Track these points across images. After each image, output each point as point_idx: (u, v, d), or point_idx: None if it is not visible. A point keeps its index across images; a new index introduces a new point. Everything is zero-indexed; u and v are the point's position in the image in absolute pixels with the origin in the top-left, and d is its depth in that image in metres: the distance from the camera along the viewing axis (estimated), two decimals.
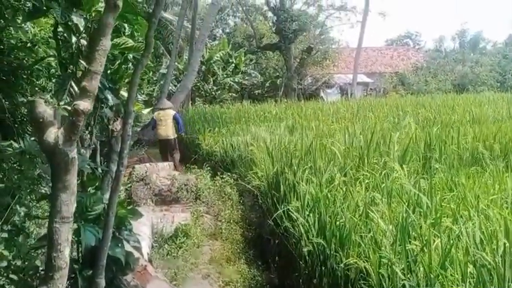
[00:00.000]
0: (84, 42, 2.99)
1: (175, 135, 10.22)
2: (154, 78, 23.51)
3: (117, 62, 3.73)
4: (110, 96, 3.39)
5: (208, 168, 8.28)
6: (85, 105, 1.76)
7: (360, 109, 13.47)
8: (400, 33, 53.13)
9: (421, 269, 2.90)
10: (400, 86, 28.69)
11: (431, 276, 2.76)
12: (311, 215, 4.16)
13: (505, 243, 2.65)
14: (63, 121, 1.88)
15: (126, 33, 3.51)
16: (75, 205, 1.92)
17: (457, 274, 2.74)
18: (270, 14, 28.06)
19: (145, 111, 14.63)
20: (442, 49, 34.58)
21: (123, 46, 3.27)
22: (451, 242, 2.94)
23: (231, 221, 6.12)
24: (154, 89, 22.99)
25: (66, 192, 1.82)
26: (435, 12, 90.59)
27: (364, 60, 35.82)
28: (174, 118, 10.27)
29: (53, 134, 1.77)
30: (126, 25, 3.41)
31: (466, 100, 14.95)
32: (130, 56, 3.68)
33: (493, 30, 70.88)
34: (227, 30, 33.49)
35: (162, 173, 7.87)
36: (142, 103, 13.40)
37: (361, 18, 29.13)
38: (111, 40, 3.28)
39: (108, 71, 3.61)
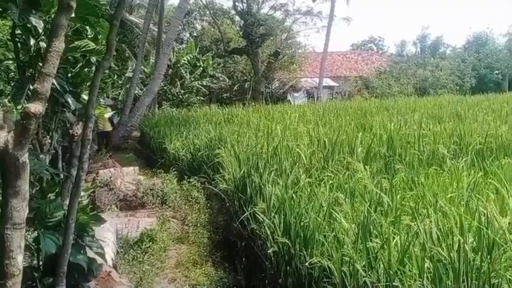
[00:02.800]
0: (43, 44, 2.93)
1: None
2: (120, 82, 23.10)
3: (79, 65, 3.66)
4: (70, 100, 3.32)
5: (175, 172, 8.21)
6: (36, 108, 1.71)
7: (326, 112, 13.72)
8: (364, 38, 54.52)
9: (381, 265, 2.99)
10: (364, 90, 29.43)
11: (391, 272, 2.85)
12: (276, 216, 4.21)
13: (459, 239, 2.78)
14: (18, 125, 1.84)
15: (89, 36, 3.45)
16: (28, 211, 1.87)
17: (415, 270, 2.85)
18: (237, 18, 28.18)
19: (108, 115, 14.35)
20: (404, 53, 35.75)
21: (84, 49, 3.21)
22: (410, 239, 3.06)
23: (198, 225, 6.09)
24: (120, 93, 22.56)
25: (17, 197, 1.77)
26: (397, 18, 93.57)
27: (330, 64, 36.52)
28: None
29: (2, 138, 1.72)
30: (88, 28, 3.36)
31: (426, 103, 15.51)
32: (94, 59, 3.61)
33: (452, 35, 74.06)
34: (194, 34, 33.32)
35: (127, 178, 7.74)
36: (105, 107, 13.16)
37: (327, 23, 29.77)
38: (72, 43, 3.24)
39: (69, 74, 3.54)
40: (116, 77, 23.73)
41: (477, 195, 3.99)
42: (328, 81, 33.15)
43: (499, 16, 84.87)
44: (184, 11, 17.87)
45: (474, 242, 2.92)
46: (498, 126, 7.57)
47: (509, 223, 2.89)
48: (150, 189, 6.99)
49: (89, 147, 2.59)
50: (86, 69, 3.77)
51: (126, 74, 22.63)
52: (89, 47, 3.22)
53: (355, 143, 6.22)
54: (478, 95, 22.62)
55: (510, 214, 3.02)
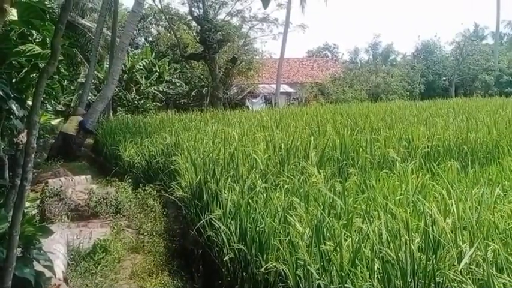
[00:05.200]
0: None
1: None
2: (72, 88, 22.31)
3: (24, 70, 3.51)
4: (14, 107, 3.17)
5: (130, 180, 8.01)
6: None
7: (283, 117, 13.91)
8: (319, 45, 55.89)
9: (334, 268, 3.06)
10: (320, 96, 30.12)
11: (342, 274, 2.92)
12: (232, 222, 4.21)
13: (406, 240, 2.90)
14: None
15: (37, 40, 3.33)
16: None
17: (365, 271, 2.94)
18: (194, 23, 28.02)
19: (55, 121, 13.75)
20: (357, 60, 36.96)
21: (29, 53, 3.09)
22: (360, 240, 3.15)
23: (154, 234, 5.96)
24: (72, 99, 21.78)
25: None
26: (351, 26, 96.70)
27: (287, 70, 37.12)
28: None
29: None
30: (34, 32, 3.24)
31: (378, 108, 16.08)
32: (42, 64, 3.47)
33: (402, 43, 77.62)
34: (150, 39, 32.80)
35: (78, 187, 7.45)
36: (54, 113, 12.62)
37: (283, 30, 30.27)
38: (16, 47, 3.10)
39: (14, 80, 3.39)
40: (67, 82, 22.90)
41: (424, 196, 4.18)
42: (285, 87, 33.66)
43: (446, 25, 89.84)
44: (138, 16, 17.54)
45: (421, 242, 3.05)
46: (445, 130, 7.98)
47: (452, 223, 3.05)
48: (104, 198, 6.76)
49: (33, 155, 2.47)
50: (33, 75, 3.62)
51: (79, 80, 21.89)
52: (34, 51, 3.10)
53: (310, 148, 6.34)
54: (426, 100, 23.77)
55: (453, 215, 3.18)
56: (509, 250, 2.79)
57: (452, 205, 3.27)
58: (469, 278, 2.51)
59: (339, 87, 30.56)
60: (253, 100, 30.42)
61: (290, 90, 34.01)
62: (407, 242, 2.83)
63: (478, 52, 37.83)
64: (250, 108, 26.96)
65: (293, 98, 32.51)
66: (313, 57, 47.50)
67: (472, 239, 2.71)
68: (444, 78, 37.07)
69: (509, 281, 2.45)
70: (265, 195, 4.63)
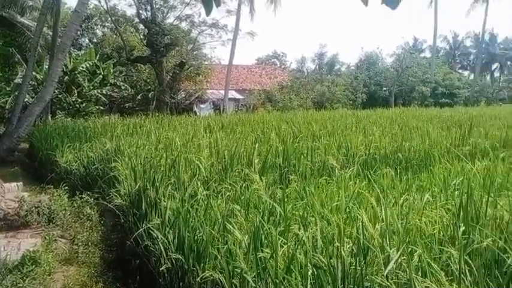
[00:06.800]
0: None
1: None
2: (8, 89, 21.01)
3: None
4: None
5: (66, 187, 7.62)
6: None
7: (230, 124, 13.92)
8: (268, 53, 56.73)
9: (270, 275, 3.08)
10: (268, 103, 30.48)
11: (277, 281, 2.95)
12: (171, 231, 4.12)
13: (337, 246, 2.98)
14: None
15: None
16: None
17: (299, 277, 2.98)
18: (141, 26, 27.39)
19: None
20: (304, 69, 37.89)
21: None
22: (296, 247, 3.20)
23: (89, 244, 5.70)
24: (7, 101, 20.49)
25: None
26: (299, 35, 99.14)
27: (236, 77, 37.25)
28: None
29: None
30: None
31: (322, 116, 16.55)
32: None
33: (347, 54, 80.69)
34: (95, 40, 31.63)
35: (8, 194, 6.98)
36: None
37: (232, 37, 30.38)
38: None
39: None
40: (3, 83, 21.50)
41: (360, 203, 4.33)
42: (233, 94, 33.74)
43: (388, 38, 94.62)
44: (81, 16, 16.83)
45: (353, 248, 3.15)
46: (381, 139, 8.35)
47: (381, 229, 3.17)
48: (35, 207, 6.37)
49: None
50: None
51: (16, 80, 20.65)
52: None
53: (254, 155, 6.37)
54: (368, 109, 24.80)
55: (382, 221, 3.31)
56: (432, 255, 2.95)
57: (381, 211, 3.40)
58: (395, 282, 2.62)
59: (286, 95, 31.10)
60: (201, 105, 30.19)
61: (238, 96, 34.14)
62: (339, 249, 2.91)
63: (416, 64, 40.10)
64: (198, 113, 26.74)
65: (241, 105, 32.65)
66: (262, 65, 48.08)
67: (399, 244, 2.84)
68: (385, 88, 38.90)
69: (431, 285, 2.58)
70: (206, 202, 4.59)
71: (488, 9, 47.33)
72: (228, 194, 4.93)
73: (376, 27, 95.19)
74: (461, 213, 3.35)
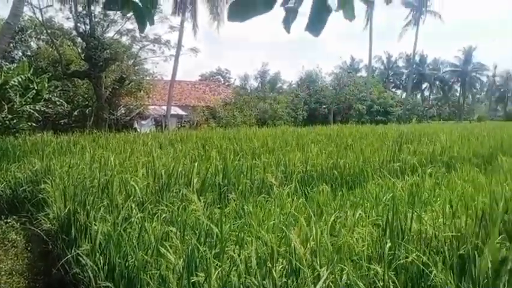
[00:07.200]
0: None
1: None
2: None
3: None
4: None
5: None
6: None
7: (172, 141, 13.70)
8: (212, 69, 56.94)
9: None
10: (211, 119, 30.42)
11: None
12: (101, 257, 3.93)
13: (269, 267, 3.00)
14: None
15: None
16: None
17: None
18: (79, 39, 26.40)
19: None
20: (247, 87, 38.37)
21: None
22: (230, 269, 3.18)
23: (14, 273, 5.28)
24: None
25: None
26: (243, 53, 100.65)
27: (179, 93, 36.92)
28: None
29: None
30: None
31: (264, 133, 16.78)
32: None
33: (288, 72, 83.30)
34: (28, 53, 29.94)
35: None
36: None
37: (175, 53, 30.15)
38: None
39: None
40: None
41: (296, 220, 4.39)
42: (176, 110, 33.33)
43: (326, 57, 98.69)
44: (13, 28, 15.91)
45: (287, 267, 3.19)
46: (318, 156, 8.61)
47: (311, 248, 3.24)
48: None
49: None
50: None
51: None
52: None
53: (193, 174, 6.30)
54: (308, 126, 25.52)
55: (313, 239, 3.38)
56: (360, 272, 3.05)
57: (313, 229, 3.48)
58: None
59: (229, 111, 31.24)
60: (143, 122, 29.47)
61: (182, 112, 33.77)
62: (271, 270, 2.93)
63: (353, 83, 42.13)
64: (139, 130, 26.07)
65: (184, 121, 32.29)
66: (206, 81, 48.08)
67: (328, 263, 2.91)
68: (324, 106, 40.38)
69: None
70: (140, 226, 4.44)
71: (418, 32, 51.30)
72: (164, 215, 4.81)
73: (316, 47, 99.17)
74: (388, 230, 3.51)
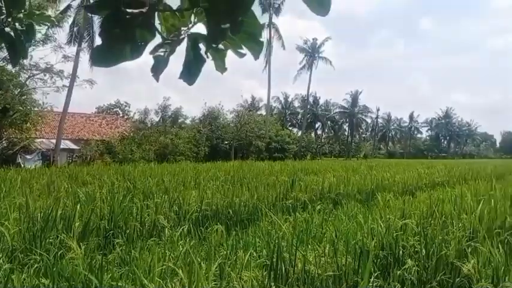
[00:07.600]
0: None
1: None
2: None
3: None
4: None
5: None
6: None
7: (58, 179, 12.61)
8: (110, 102, 54.63)
9: None
10: (106, 154, 28.83)
11: None
12: None
13: None
14: None
15: None
16: None
17: None
18: None
19: None
20: (147, 121, 37.38)
21: None
22: None
23: None
24: None
25: None
26: (143, 86, 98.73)
27: (71, 126, 34.59)
28: None
29: None
30: None
31: (163, 169, 16.33)
32: None
33: (191, 107, 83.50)
34: None
35: None
36: None
37: (68, 83, 28.36)
38: None
39: None
40: None
41: (188, 264, 4.23)
42: (68, 144, 31.03)
43: (229, 94, 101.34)
44: None
45: None
46: (214, 194, 8.57)
47: None
48: None
49: None
50: None
51: None
52: None
53: (75, 217, 5.79)
54: (210, 162, 25.57)
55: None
56: None
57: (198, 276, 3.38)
58: None
59: (127, 146, 29.96)
60: (27, 156, 26.79)
61: (73, 146, 31.48)
62: None
63: (253, 121, 43.61)
64: (23, 165, 23.64)
65: (76, 156, 30.09)
66: (102, 114, 45.80)
67: None
68: (226, 142, 40.99)
69: None
70: (6, 279, 3.91)
71: (312, 76, 55.58)
72: (36, 265, 4.32)
73: (218, 84, 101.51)
74: (272, 273, 3.55)
